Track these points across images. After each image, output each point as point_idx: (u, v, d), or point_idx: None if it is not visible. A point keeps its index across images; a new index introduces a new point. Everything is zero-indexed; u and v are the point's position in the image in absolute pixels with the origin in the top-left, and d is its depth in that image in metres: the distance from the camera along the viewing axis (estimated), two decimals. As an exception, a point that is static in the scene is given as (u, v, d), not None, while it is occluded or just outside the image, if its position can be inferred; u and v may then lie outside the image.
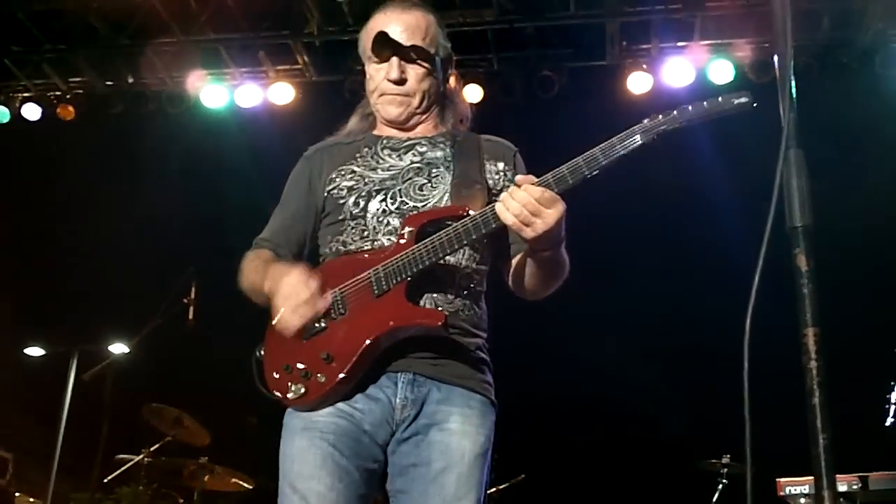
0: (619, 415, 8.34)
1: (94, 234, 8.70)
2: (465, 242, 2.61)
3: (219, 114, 8.67)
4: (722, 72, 7.99)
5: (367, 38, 2.97)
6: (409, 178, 2.83)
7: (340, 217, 2.82)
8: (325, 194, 2.88)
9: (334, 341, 2.63)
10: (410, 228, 2.67)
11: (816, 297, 1.92)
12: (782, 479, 5.84)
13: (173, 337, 6.11)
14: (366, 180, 2.84)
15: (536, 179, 2.50)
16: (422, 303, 2.66)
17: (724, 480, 6.84)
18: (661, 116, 2.51)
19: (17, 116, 8.89)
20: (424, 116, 2.99)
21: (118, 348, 6.79)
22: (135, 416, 6.60)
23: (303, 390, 2.62)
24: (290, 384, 2.65)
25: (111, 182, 8.63)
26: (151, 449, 6.71)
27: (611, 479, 8.34)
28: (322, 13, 8.19)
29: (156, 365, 7.27)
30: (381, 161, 2.89)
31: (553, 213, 2.47)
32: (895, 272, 7.63)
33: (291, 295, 2.58)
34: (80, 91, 8.98)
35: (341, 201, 2.83)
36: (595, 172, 2.49)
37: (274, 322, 2.61)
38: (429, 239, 2.62)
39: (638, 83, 8.12)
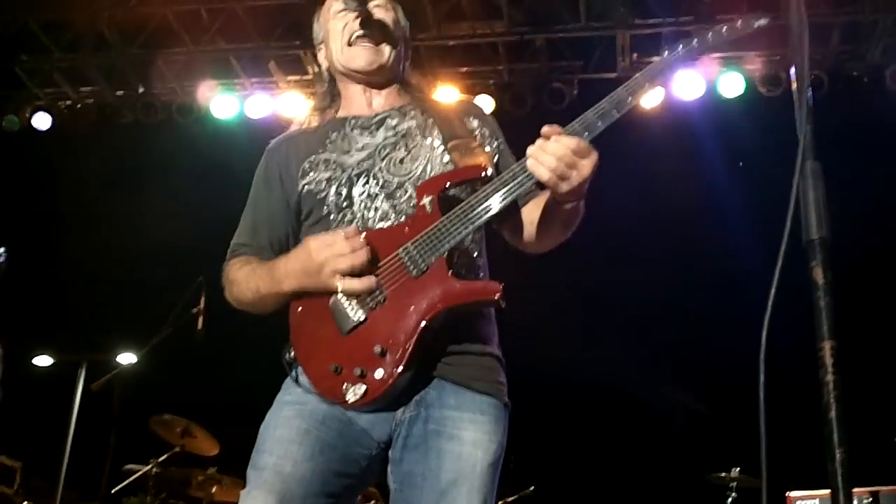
0: (628, 426, 8.32)
1: (103, 243, 8.71)
2: (499, 205, 2.43)
3: (229, 124, 8.69)
4: (732, 84, 7.99)
5: (325, 11, 2.90)
6: (387, 155, 2.67)
7: (325, 212, 2.65)
8: (301, 189, 2.70)
9: (383, 332, 2.44)
10: (430, 197, 2.51)
11: (833, 310, 1.89)
12: (792, 493, 5.81)
13: (182, 347, 6.09)
14: (343, 167, 2.67)
15: (563, 129, 2.38)
16: None
17: (733, 494, 6.80)
18: (681, 47, 2.46)
19: (27, 125, 8.89)
20: (390, 81, 2.87)
21: (126, 358, 6.77)
22: (143, 426, 6.59)
23: (363, 389, 2.43)
24: (346, 386, 2.45)
25: (121, 191, 8.65)
26: (160, 459, 6.67)
27: (620, 491, 8.31)
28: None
29: (165, 375, 7.25)
30: (353, 143, 2.72)
31: (588, 164, 2.37)
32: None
33: (335, 252, 2.43)
34: (91, 100, 9.00)
35: (321, 195, 2.65)
36: (623, 112, 2.40)
37: (342, 286, 2.44)
38: (459, 208, 2.46)
39: (648, 95, 8.10)
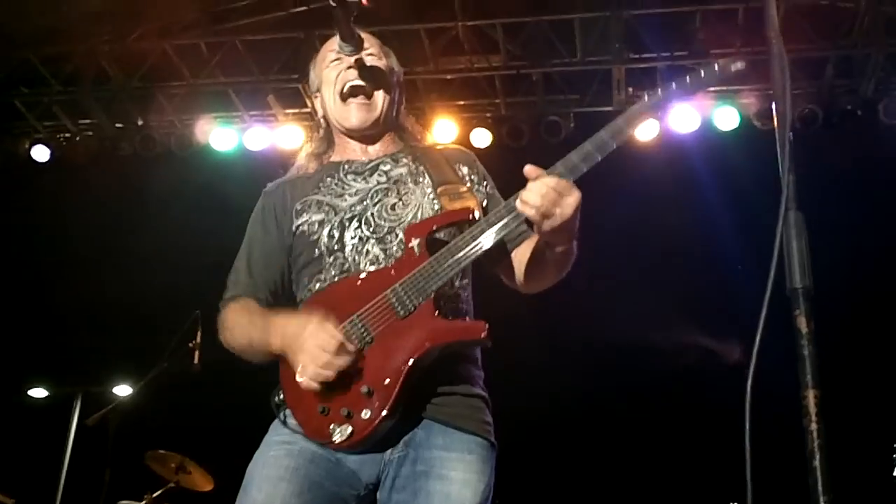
0: (619, 465, 8.29)
1: (101, 274, 8.71)
2: (483, 248, 2.49)
3: (228, 156, 8.72)
4: (727, 119, 8.03)
5: (320, 60, 2.93)
6: (379, 200, 2.71)
7: (316, 255, 2.68)
8: (295, 230, 2.73)
9: (370, 374, 2.46)
10: (418, 239, 2.56)
11: (816, 359, 1.91)
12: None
13: (178, 381, 6.08)
14: (336, 210, 2.71)
15: (545, 171, 2.43)
16: None
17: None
18: (659, 91, 2.51)
19: (26, 158, 8.91)
20: (384, 132, 2.91)
21: (122, 390, 6.75)
22: (138, 461, 6.55)
23: (349, 430, 2.45)
24: (332, 427, 2.47)
25: (119, 224, 8.66)
26: (154, 495, 6.62)
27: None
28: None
29: (160, 409, 7.23)
30: (346, 187, 2.76)
31: (571, 202, 2.41)
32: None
33: (318, 351, 2.44)
34: (90, 133, 9.03)
35: (314, 237, 2.69)
36: (605, 154, 2.45)
37: (301, 380, 2.46)
38: (445, 249, 2.51)
39: (644, 128, 8.15)
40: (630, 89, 8.35)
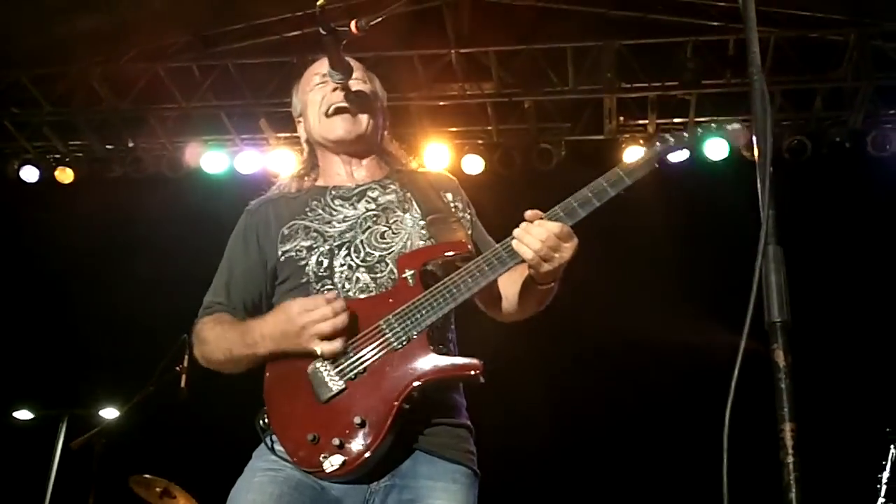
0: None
1: (89, 296, 8.67)
2: (480, 285, 2.51)
3: (218, 179, 8.71)
4: (717, 149, 8.06)
5: (304, 83, 2.95)
6: (368, 227, 2.71)
7: (303, 280, 2.67)
8: (281, 255, 2.71)
9: (363, 403, 2.45)
10: (411, 271, 2.57)
11: (793, 393, 1.92)
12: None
13: (165, 405, 6.03)
14: (325, 236, 2.70)
15: (544, 214, 2.49)
16: None
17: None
18: (668, 140, 2.59)
19: (15, 178, 8.88)
20: (368, 152, 2.92)
21: (109, 413, 6.70)
22: (123, 485, 6.49)
23: (341, 460, 2.43)
24: (323, 457, 2.44)
25: (107, 246, 8.62)
26: (138, 521, 6.57)
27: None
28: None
29: (146, 433, 7.17)
30: (334, 213, 2.76)
31: (570, 248, 2.48)
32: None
33: (314, 320, 2.45)
34: (80, 154, 9.02)
35: (301, 262, 2.67)
36: (603, 202, 2.51)
37: (322, 351, 2.46)
38: (442, 283, 2.52)
39: (635, 158, 8.15)
40: (621, 118, 8.41)
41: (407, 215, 2.75)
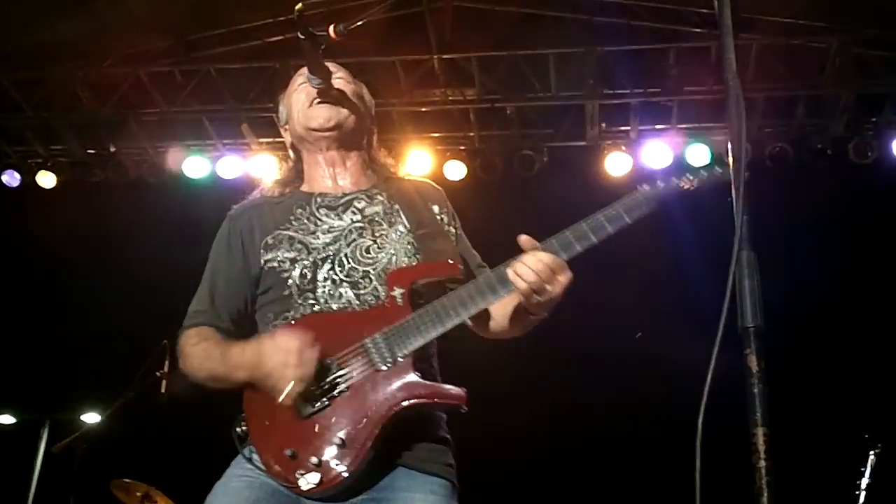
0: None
1: (70, 301, 8.63)
2: (470, 312, 2.51)
3: (200, 184, 8.68)
4: (699, 155, 8.10)
5: (295, 79, 2.93)
6: (353, 241, 2.68)
7: (285, 293, 2.63)
8: (263, 265, 2.69)
9: (344, 423, 2.43)
10: (401, 290, 2.54)
11: (766, 398, 1.92)
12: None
13: (145, 410, 6.01)
14: (308, 248, 2.66)
15: (539, 244, 2.47)
16: None
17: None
18: (671, 181, 2.53)
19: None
20: (350, 147, 2.88)
21: (91, 418, 6.67)
22: (104, 490, 6.46)
23: (317, 479, 2.40)
24: (299, 473, 2.42)
25: (89, 250, 8.58)
26: (119, 524, 6.53)
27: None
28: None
29: (127, 438, 7.14)
30: (319, 223, 2.72)
31: (563, 281, 2.46)
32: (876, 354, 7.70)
33: (282, 366, 2.39)
34: (62, 158, 8.96)
35: (284, 274, 2.64)
36: (600, 238, 2.48)
37: (281, 399, 2.40)
38: (431, 306, 2.50)
39: (617, 164, 8.20)
40: (603, 124, 8.43)
41: (392, 229, 2.72)
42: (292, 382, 2.39)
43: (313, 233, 2.71)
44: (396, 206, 2.79)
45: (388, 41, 7.90)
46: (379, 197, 2.81)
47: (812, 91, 8.12)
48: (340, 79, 2.88)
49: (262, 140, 8.75)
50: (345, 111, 2.83)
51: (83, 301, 8.52)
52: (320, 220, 2.74)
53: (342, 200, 2.79)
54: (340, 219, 2.74)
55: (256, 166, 8.54)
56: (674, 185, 2.54)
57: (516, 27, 8.32)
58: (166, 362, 5.92)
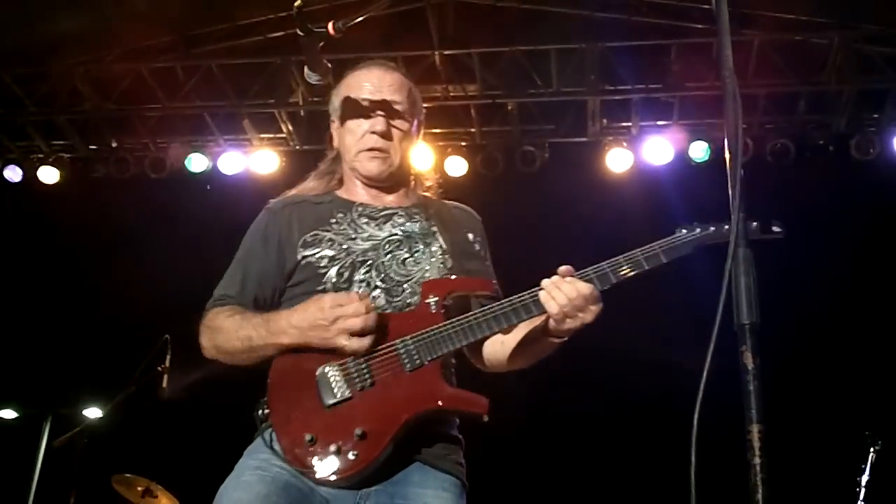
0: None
1: (72, 295, 8.64)
2: (502, 327, 2.56)
3: (202, 180, 8.68)
4: (699, 152, 8.10)
5: (347, 90, 2.93)
6: (391, 252, 2.73)
7: (319, 287, 2.67)
8: (301, 259, 2.73)
9: (366, 416, 2.47)
10: (435, 298, 2.59)
11: (762, 395, 1.93)
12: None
13: (147, 405, 6.02)
14: (348, 251, 2.71)
15: (576, 272, 2.52)
16: None
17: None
18: (709, 229, 2.54)
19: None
20: (399, 179, 2.94)
21: (93, 412, 6.68)
22: (105, 485, 6.48)
23: (336, 466, 2.44)
24: (316, 459, 2.45)
25: (91, 246, 8.59)
26: (120, 519, 6.55)
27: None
28: (307, 83, 8.26)
29: (128, 432, 7.16)
30: (359, 230, 2.77)
31: (595, 310, 2.51)
32: (873, 351, 7.70)
33: (346, 314, 2.47)
34: (63, 154, 8.96)
35: (322, 270, 2.69)
36: (635, 273, 2.52)
37: (349, 347, 2.48)
38: (464, 318, 2.55)
39: (618, 160, 8.20)
40: (604, 120, 8.42)
41: (428, 249, 2.78)
42: (362, 329, 2.47)
43: (353, 238, 2.76)
44: (434, 228, 2.84)
45: (390, 36, 7.90)
46: (418, 216, 2.87)
47: (814, 87, 8.11)
48: (397, 104, 2.89)
49: (263, 136, 8.76)
50: (394, 159, 2.88)
51: (85, 296, 8.53)
52: (360, 227, 2.80)
53: (383, 213, 2.85)
54: (380, 229, 2.80)
55: (258, 162, 8.54)
56: (711, 232, 2.56)
57: (518, 23, 8.32)
58: (167, 357, 5.93)
